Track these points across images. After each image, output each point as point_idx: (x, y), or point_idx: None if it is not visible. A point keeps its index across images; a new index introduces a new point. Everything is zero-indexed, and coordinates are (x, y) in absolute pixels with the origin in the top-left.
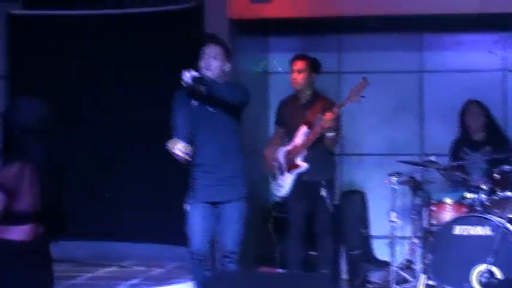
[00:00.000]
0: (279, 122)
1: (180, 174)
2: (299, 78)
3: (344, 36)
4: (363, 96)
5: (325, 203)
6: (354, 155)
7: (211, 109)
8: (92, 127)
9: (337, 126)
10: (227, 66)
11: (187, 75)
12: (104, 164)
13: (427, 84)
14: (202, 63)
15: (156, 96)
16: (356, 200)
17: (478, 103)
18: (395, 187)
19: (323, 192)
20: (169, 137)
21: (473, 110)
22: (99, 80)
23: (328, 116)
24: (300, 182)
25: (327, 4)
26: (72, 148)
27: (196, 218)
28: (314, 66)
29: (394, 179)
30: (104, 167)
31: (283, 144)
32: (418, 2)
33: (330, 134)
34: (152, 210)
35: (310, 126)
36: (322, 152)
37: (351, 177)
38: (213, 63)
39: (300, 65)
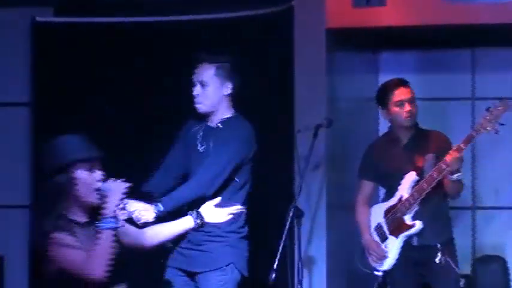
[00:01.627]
0: (370, 173)
1: None
2: (414, 110)
3: (479, 51)
4: (501, 124)
5: (448, 273)
6: (489, 208)
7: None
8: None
9: (461, 166)
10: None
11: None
12: None
13: None
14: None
15: None
16: (495, 269)
17: None
18: None
19: (439, 259)
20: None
21: None
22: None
23: (454, 154)
24: (409, 249)
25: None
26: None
27: None
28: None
29: None
30: None
31: (375, 202)
32: None
33: (455, 176)
34: None
35: (419, 172)
36: (438, 205)
37: (485, 237)
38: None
39: (410, 92)
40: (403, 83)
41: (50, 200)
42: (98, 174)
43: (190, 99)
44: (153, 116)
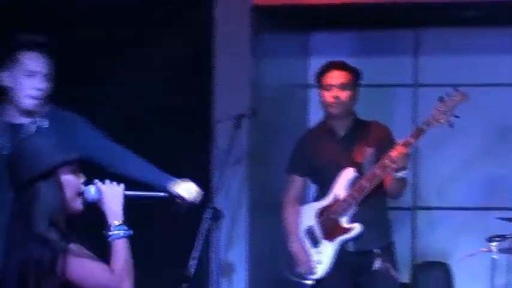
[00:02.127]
0: (302, 168)
1: None
2: (343, 97)
3: (422, 32)
4: (456, 116)
5: (387, 281)
6: (432, 208)
7: None
8: None
9: (408, 163)
10: None
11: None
12: None
13: None
14: None
15: None
16: (437, 276)
17: None
18: (496, 257)
19: (378, 266)
20: None
21: None
22: None
23: (400, 149)
24: (344, 254)
25: None
26: None
27: None
28: (358, 80)
29: (494, 245)
30: None
31: (307, 200)
32: None
33: (400, 174)
34: None
35: (358, 168)
36: (378, 206)
37: (428, 242)
38: None
39: (343, 77)
40: (338, 66)
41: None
42: (82, 177)
43: None
44: None
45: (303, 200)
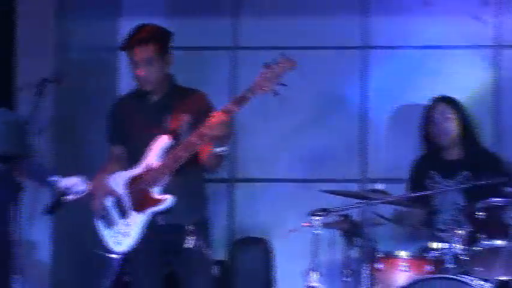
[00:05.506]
0: (116, 136)
1: None
2: (151, 72)
3: None
4: (283, 85)
5: (200, 260)
6: (253, 180)
7: None
8: None
9: (229, 134)
10: None
11: None
12: None
13: (374, 67)
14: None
15: None
16: (256, 253)
17: (451, 102)
18: (319, 232)
19: (190, 243)
20: None
21: (443, 112)
22: None
23: (219, 117)
24: (154, 228)
25: None
26: None
27: None
28: (167, 45)
29: (316, 219)
30: None
31: (124, 169)
32: None
33: (220, 150)
34: None
35: (174, 136)
36: (193, 178)
37: (247, 217)
38: None
39: (144, 52)
40: (142, 40)
41: None
42: None
43: None
44: None
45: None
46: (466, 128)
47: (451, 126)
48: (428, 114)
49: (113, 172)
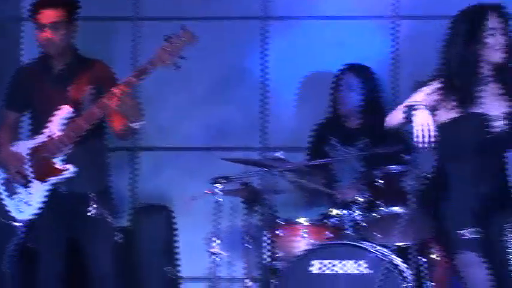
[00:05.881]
0: (16, 103)
1: None
2: (56, 36)
3: None
4: (183, 58)
5: (102, 228)
6: (154, 149)
7: None
8: None
9: (138, 107)
10: None
11: None
12: None
13: (274, 37)
14: None
15: None
16: (158, 220)
17: (359, 72)
18: (220, 199)
19: (93, 211)
20: None
21: (348, 82)
22: None
23: (121, 88)
24: (56, 197)
25: None
26: None
27: None
28: (74, 13)
29: (218, 186)
30: None
31: (23, 138)
32: None
33: (137, 124)
34: None
35: (76, 106)
36: (95, 148)
37: (150, 185)
38: None
39: (56, 15)
40: (50, 3)
41: None
42: None
43: None
44: None
45: (17, 136)
46: (370, 98)
47: (354, 96)
48: (336, 82)
49: (9, 139)
